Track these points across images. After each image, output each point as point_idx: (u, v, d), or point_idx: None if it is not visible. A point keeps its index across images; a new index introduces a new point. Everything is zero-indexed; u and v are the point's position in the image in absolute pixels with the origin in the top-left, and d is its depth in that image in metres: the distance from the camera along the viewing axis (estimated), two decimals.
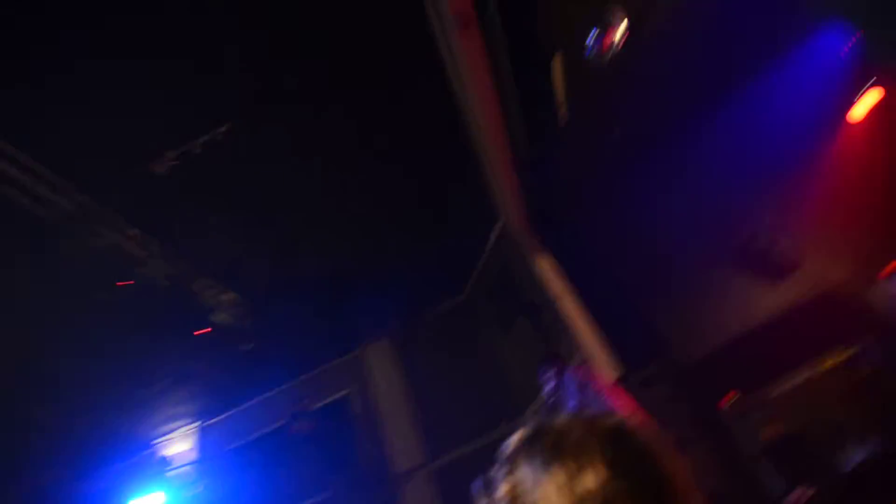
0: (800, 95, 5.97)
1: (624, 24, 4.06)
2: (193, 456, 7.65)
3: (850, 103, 5.72)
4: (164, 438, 7.69)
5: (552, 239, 6.91)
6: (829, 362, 5.06)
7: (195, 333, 5.65)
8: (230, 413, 7.97)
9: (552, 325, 6.88)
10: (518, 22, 3.84)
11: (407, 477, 7.07)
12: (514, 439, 0.63)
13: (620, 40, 3.99)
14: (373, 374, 8.35)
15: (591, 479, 0.49)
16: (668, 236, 6.28)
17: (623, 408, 3.36)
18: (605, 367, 5.98)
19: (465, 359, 8.11)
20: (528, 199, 6.86)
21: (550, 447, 0.54)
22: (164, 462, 7.32)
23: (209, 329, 5.65)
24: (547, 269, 7.03)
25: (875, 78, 5.47)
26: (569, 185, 6.69)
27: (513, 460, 0.58)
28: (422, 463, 7.26)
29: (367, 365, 8.42)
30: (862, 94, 5.60)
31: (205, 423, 7.91)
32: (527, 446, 0.58)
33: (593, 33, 4.07)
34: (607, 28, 4.01)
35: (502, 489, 0.57)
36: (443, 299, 8.43)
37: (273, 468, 7.48)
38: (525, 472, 0.55)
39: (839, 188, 5.75)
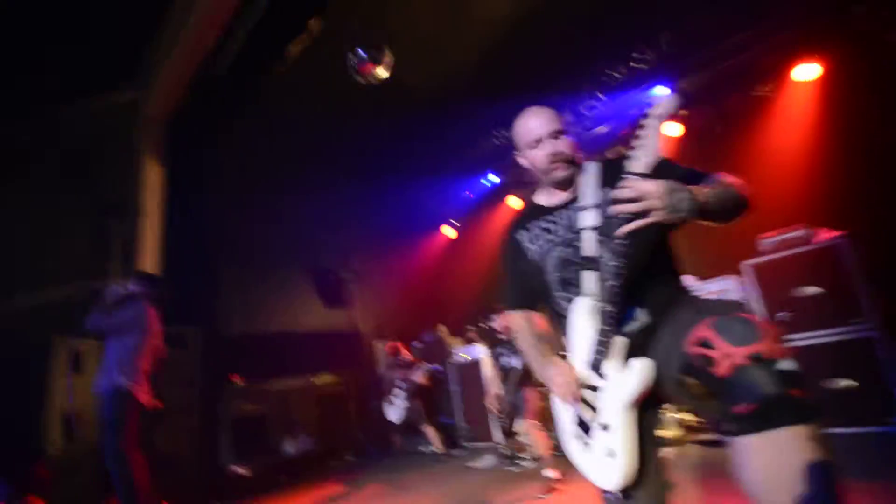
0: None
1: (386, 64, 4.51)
2: None
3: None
4: None
5: (182, 161, 6.22)
6: (321, 378, 6.55)
7: None
8: None
9: (111, 234, 5.92)
10: None
11: None
12: None
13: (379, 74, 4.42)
14: None
15: None
16: (276, 243, 6.80)
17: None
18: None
19: None
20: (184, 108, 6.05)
21: None
22: None
23: None
24: (154, 179, 6.17)
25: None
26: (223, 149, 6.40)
27: None
28: None
29: None
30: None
31: None
32: None
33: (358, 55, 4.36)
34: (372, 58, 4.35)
35: None
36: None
37: None
38: None
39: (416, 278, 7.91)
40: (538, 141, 1.52)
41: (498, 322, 4.29)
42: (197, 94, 5.91)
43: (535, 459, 4.13)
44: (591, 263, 1.39)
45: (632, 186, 1.19)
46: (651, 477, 1.30)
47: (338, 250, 7.35)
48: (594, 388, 1.33)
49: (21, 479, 2.81)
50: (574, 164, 1.54)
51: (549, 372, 1.50)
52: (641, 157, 1.24)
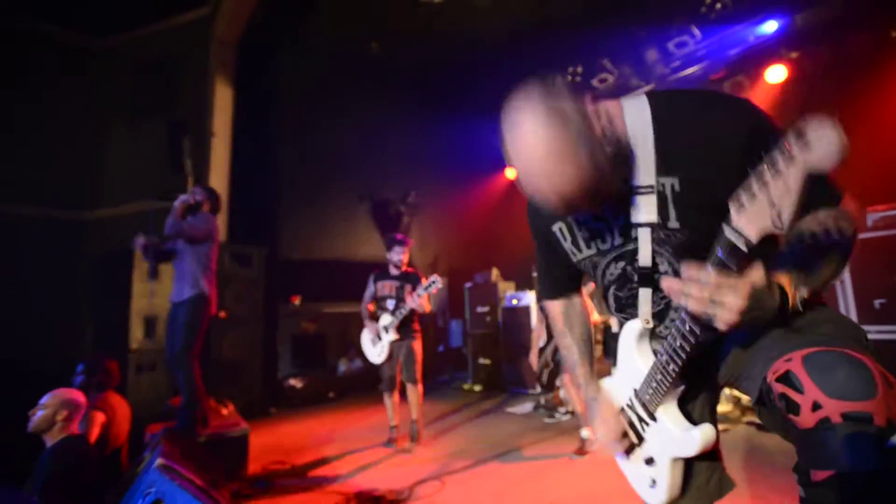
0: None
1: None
2: None
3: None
4: None
5: (249, 87, 6.28)
6: None
7: None
8: None
9: (184, 152, 6.20)
10: None
11: None
12: None
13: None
14: None
15: None
16: (334, 171, 6.82)
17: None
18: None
19: (52, 111, 6.20)
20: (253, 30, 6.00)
21: None
22: None
23: None
24: (224, 101, 6.31)
25: None
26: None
27: None
28: None
29: None
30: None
31: None
32: None
33: None
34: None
35: None
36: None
37: None
38: None
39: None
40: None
41: None
42: (264, 15, 5.83)
43: (573, 414, 4.14)
44: (650, 280, 1.05)
45: (700, 281, 0.80)
46: (702, 474, 1.11)
47: (398, 183, 7.34)
48: (641, 419, 1.11)
49: (104, 373, 3.15)
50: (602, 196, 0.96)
51: (591, 408, 1.25)
52: (765, 215, 0.71)
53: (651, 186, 0.98)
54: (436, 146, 7.40)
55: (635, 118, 0.99)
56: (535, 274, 5.34)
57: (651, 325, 1.08)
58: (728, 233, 0.76)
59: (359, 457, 3.49)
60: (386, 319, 3.71)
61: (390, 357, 3.71)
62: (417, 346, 3.71)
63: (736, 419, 3.48)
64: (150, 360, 4.67)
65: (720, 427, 3.25)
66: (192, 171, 6.04)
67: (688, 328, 0.90)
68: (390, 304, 3.73)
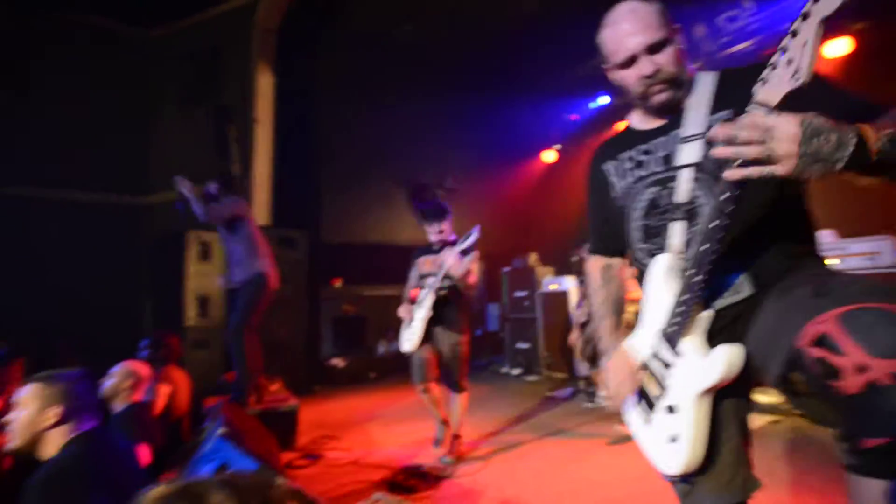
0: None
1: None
2: None
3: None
4: None
5: (290, 73, 6.40)
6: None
7: None
8: None
9: (230, 139, 6.42)
10: None
11: None
12: (150, 501, 0.54)
13: None
14: None
15: None
16: (375, 155, 6.89)
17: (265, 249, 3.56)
18: (256, 208, 6.17)
19: (106, 101, 6.53)
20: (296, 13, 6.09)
21: None
22: None
23: None
24: (266, 88, 6.47)
25: None
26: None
27: None
28: None
29: None
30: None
31: None
32: None
33: None
34: None
35: None
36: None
37: None
38: None
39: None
40: (632, 59, 1.11)
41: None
42: (303, 1, 5.92)
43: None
44: (683, 212, 1.08)
45: (751, 123, 0.80)
46: (724, 468, 1.05)
47: (437, 168, 7.37)
48: (665, 364, 1.08)
49: (166, 348, 3.36)
50: (680, 84, 1.12)
51: (606, 358, 1.29)
52: (783, 77, 0.81)
53: (703, 125, 1.08)
54: (474, 130, 7.37)
55: (697, 74, 1.17)
56: (573, 258, 5.30)
57: (682, 255, 1.09)
58: (750, 108, 0.85)
59: (401, 434, 3.60)
60: (422, 294, 3.18)
61: (426, 340, 3.06)
62: (465, 341, 3.09)
63: (787, 411, 3.38)
64: (204, 337, 4.92)
65: (770, 419, 3.16)
66: (237, 157, 6.27)
67: (726, 196, 0.91)
68: (434, 282, 3.20)
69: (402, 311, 3.22)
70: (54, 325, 4.90)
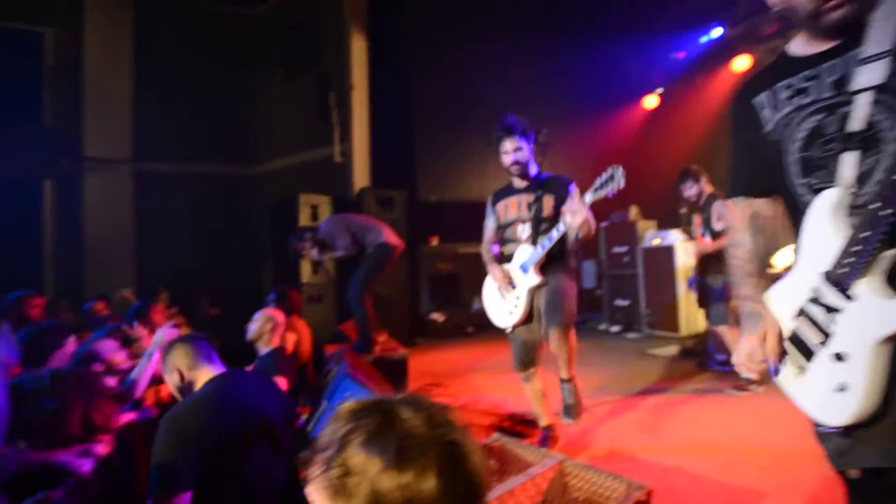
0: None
1: None
2: None
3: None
4: None
5: (382, 36, 6.47)
6: None
7: None
8: None
9: (330, 105, 6.71)
10: None
11: (100, 166, 6.13)
12: (347, 412, 0.62)
13: None
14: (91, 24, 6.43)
15: (428, 486, 0.55)
16: (468, 112, 6.80)
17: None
18: (356, 171, 6.48)
19: (217, 78, 7.11)
20: None
21: (396, 448, 0.56)
22: None
23: None
24: (359, 53, 6.63)
25: None
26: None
27: (348, 442, 0.58)
28: (122, 159, 6.39)
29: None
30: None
31: None
32: (372, 437, 0.58)
33: None
34: None
35: (335, 469, 0.57)
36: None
37: None
38: (364, 460, 0.57)
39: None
40: None
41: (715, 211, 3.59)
42: None
43: (726, 363, 3.88)
44: (858, 141, 0.96)
45: None
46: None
47: (530, 120, 7.17)
48: (829, 308, 0.98)
49: (289, 301, 3.74)
50: None
51: (751, 324, 1.16)
52: None
53: (888, 49, 0.94)
54: (569, 77, 7.00)
55: None
56: (681, 210, 4.93)
57: (853, 189, 0.97)
58: None
59: (505, 384, 3.69)
60: (523, 253, 2.43)
61: (529, 316, 2.40)
62: (571, 285, 2.42)
63: None
64: (318, 292, 5.38)
65: None
66: (338, 123, 6.56)
67: None
68: (523, 230, 2.46)
69: (496, 274, 2.53)
70: (195, 280, 5.65)
